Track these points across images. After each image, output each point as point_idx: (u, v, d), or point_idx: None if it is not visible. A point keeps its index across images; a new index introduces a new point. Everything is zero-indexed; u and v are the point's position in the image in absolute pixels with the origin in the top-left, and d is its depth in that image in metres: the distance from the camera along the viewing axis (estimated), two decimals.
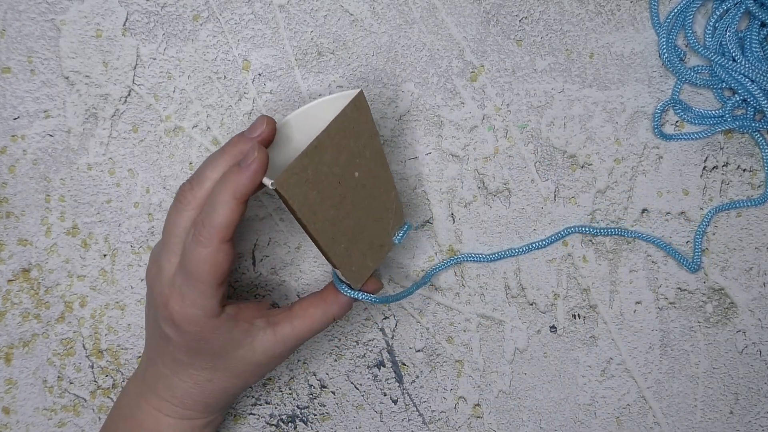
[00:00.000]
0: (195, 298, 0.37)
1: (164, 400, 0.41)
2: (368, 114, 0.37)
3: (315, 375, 0.49)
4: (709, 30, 0.46)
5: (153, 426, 0.41)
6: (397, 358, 0.49)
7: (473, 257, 0.47)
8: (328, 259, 0.39)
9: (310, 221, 0.36)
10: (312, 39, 0.47)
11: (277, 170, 0.38)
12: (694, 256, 0.48)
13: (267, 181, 0.35)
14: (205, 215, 0.36)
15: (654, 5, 0.47)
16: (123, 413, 0.43)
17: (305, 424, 0.49)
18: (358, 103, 0.36)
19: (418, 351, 0.48)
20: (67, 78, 0.47)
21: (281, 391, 0.49)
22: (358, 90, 0.36)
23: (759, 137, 0.47)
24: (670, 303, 0.48)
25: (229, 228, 0.36)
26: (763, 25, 0.46)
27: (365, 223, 0.40)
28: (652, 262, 0.48)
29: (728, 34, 0.46)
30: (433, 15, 0.47)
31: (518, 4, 0.47)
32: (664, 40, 0.47)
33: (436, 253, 0.48)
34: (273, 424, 0.49)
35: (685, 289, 0.48)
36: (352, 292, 0.42)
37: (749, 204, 0.48)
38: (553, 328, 0.48)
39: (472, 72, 0.47)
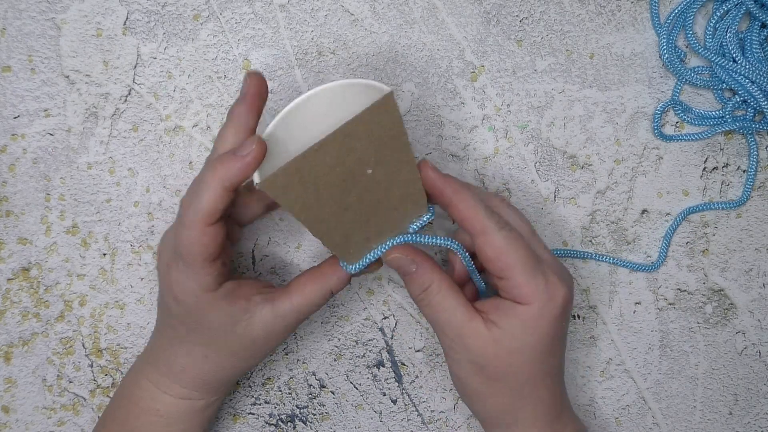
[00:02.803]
0: (190, 274, 0.37)
1: (163, 375, 0.41)
2: (395, 116, 0.34)
3: (314, 375, 0.49)
4: (710, 31, 0.47)
5: (149, 404, 0.41)
6: (396, 358, 0.49)
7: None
8: (323, 243, 0.39)
9: (301, 215, 0.36)
10: (312, 39, 0.47)
11: (280, 156, 0.36)
12: (660, 253, 0.48)
13: (255, 177, 0.35)
14: (191, 197, 0.36)
15: (654, 6, 0.47)
16: (123, 392, 0.43)
17: (304, 423, 0.49)
18: (385, 106, 0.34)
19: (418, 351, 0.48)
20: (67, 77, 0.47)
21: (280, 391, 0.49)
22: (387, 91, 0.34)
23: (751, 139, 0.47)
24: (670, 304, 0.48)
25: (214, 214, 0.36)
26: (763, 26, 0.46)
27: (375, 212, 0.38)
28: (652, 262, 0.48)
29: (728, 35, 0.46)
30: (434, 15, 0.47)
31: (519, 5, 0.47)
32: (665, 40, 0.47)
33: (435, 254, 0.48)
34: (272, 424, 0.49)
35: (685, 290, 0.48)
36: (352, 268, 0.40)
37: (726, 206, 0.48)
38: None
39: (473, 72, 0.47)
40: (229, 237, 0.41)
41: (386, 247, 0.40)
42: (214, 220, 0.36)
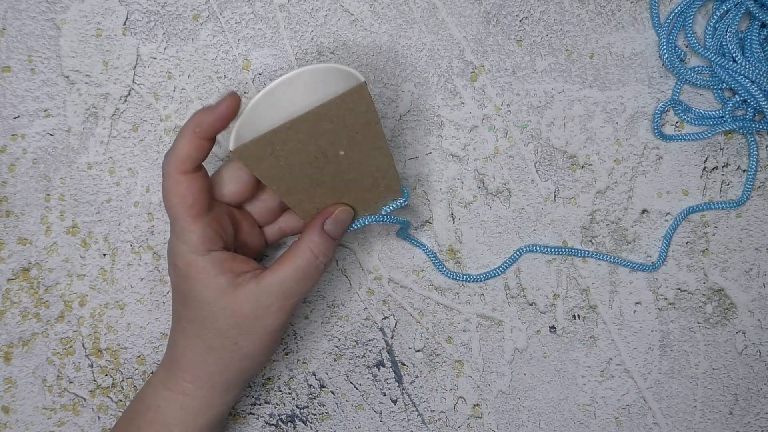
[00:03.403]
0: (176, 231, 0.38)
1: (167, 368, 0.41)
2: (368, 105, 0.36)
3: (314, 375, 0.49)
4: (710, 30, 0.47)
5: (152, 400, 0.41)
6: (396, 358, 0.49)
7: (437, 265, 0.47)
8: (296, 212, 0.41)
9: (273, 185, 0.38)
10: (312, 39, 0.47)
11: (258, 128, 0.38)
12: (660, 253, 0.48)
13: (231, 145, 0.37)
14: (168, 149, 0.38)
15: (654, 6, 0.47)
16: (139, 391, 0.43)
17: (304, 423, 0.49)
18: (357, 95, 0.36)
19: (418, 351, 0.48)
20: (67, 77, 0.47)
21: (281, 391, 0.49)
22: (360, 82, 0.36)
23: (751, 139, 0.47)
24: (670, 303, 0.48)
25: (186, 160, 0.37)
26: (763, 25, 0.46)
27: (347, 191, 0.40)
28: (652, 262, 0.48)
29: (728, 34, 0.46)
30: (434, 15, 0.47)
31: (519, 4, 0.47)
32: (665, 40, 0.47)
33: (435, 254, 0.48)
34: (272, 424, 0.49)
35: (685, 290, 0.48)
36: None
37: (726, 206, 0.48)
38: (552, 329, 0.48)
39: (473, 72, 0.47)
40: (245, 233, 0.42)
41: (360, 224, 0.42)
42: (188, 167, 0.37)
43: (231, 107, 0.37)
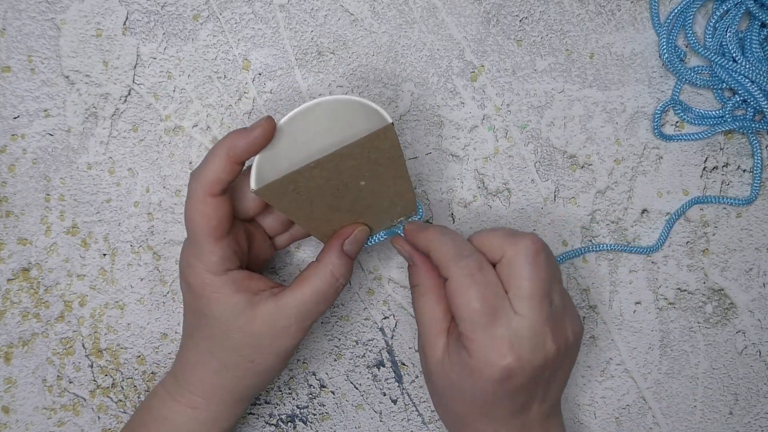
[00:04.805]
0: (195, 251, 0.38)
1: (176, 380, 0.41)
2: (393, 143, 0.36)
3: (314, 375, 0.49)
4: (710, 30, 0.47)
5: (160, 412, 0.41)
6: (396, 358, 0.49)
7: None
8: (312, 234, 0.41)
9: (292, 215, 0.38)
10: (312, 39, 0.47)
11: (281, 152, 0.38)
12: (661, 235, 0.48)
13: (252, 184, 0.36)
14: (198, 168, 0.37)
15: (654, 5, 0.47)
16: (144, 401, 0.43)
17: (305, 423, 0.49)
18: (384, 135, 0.35)
19: (418, 351, 0.48)
20: (67, 77, 0.47)
21: (281, 391, 0.49)
22: (387, 123, 0.35)
23: (753, 138, 0.47)
24: (670, 303, 0.48)
25: (216, 183, 0.36)
26: (763, 25, 0.46)
27: (364, 213, 0.40)
28: (652, 262, 0.48)
29: (728, 34, 0.46)
30: (434, 15, 0.47)
31: (518, 4, 0.47)
32: (665, 40, 0.47)
33: None
34: (272, 424, 0.49)
35: (685, 290, 0.48)
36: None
37: (735, 202, 0.47)
38: None
39: (473, 72, 0.47)
40: (257, 245, 0.42)
41: (375, 240, 0.42)
42: (217, 190, 0.37)
43: (266, 132, 0.36)
